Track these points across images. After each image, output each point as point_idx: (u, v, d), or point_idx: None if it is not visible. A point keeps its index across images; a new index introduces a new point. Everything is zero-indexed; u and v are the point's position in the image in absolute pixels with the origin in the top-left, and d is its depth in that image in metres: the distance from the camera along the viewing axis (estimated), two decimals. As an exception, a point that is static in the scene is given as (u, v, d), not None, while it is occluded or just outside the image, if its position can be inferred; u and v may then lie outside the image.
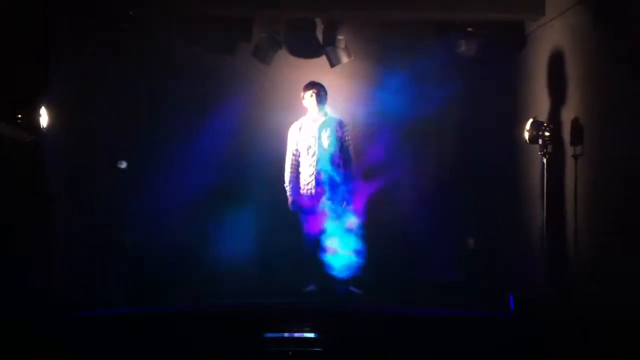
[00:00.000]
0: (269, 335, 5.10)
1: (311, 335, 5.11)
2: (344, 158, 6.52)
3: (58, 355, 5.03)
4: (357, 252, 6.46)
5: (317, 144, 6.47)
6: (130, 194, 6.82)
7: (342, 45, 6.81)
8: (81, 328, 5.27)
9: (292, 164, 6.53)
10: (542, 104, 6.26)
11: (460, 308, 5.73)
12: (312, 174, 6.46)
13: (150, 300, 5.86)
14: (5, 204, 5.59)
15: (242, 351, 5.11)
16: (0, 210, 5.56)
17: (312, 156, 6.47)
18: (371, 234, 6.81)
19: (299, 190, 6.50)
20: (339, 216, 6.49)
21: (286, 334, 5.14)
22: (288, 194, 6.51)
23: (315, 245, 6.52)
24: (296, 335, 5.11)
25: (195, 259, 6.76)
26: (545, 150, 5.76)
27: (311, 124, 6.53)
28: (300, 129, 6.54)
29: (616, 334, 4.85)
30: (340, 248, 6.45)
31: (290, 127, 6.60)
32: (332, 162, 6.47)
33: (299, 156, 6.52)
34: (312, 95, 6.47)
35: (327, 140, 6.46)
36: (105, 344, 5.16)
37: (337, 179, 6.49)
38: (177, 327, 5.35)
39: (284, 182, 6.54)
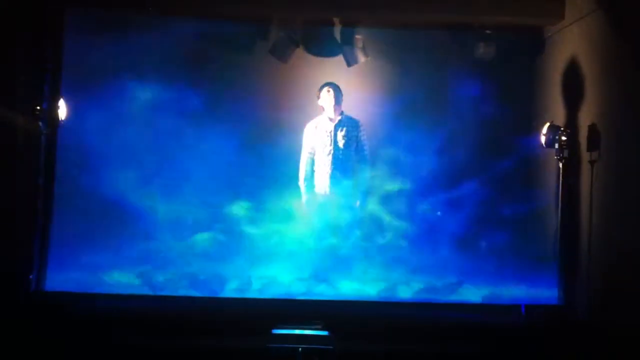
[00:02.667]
0: (278, 331, 5.10)
1: (322, 333, 5.11)
2: (359, 158, 6.54)
3: (58, 355, 5.06)
4: (370, 252, 6.46)
5: (332, 143, 6.49)
6: (140, 191, 6.82)
7: (359, 44, 6.81)
8: (82, 328, 5.29)
9: (307, 163, 6.55)
10: (559, 108, 6.24)
11: (472, 313, 5.73)
12: (327, 172, 6.48)
13: (156, 297, 5.88)
14: (11, 198, 5.63)
15: (251, 347, 5.11)
16: (5, 204, 5.61)
17: (328, 155, 6.49)
18: (384, 235, 6.81)
19: (314, 189, 6.52)
20: (352, 214, 6.51)
21: (296, 331, 5.13)
22: (302, 192, 6.54)
23: (328, 243, 6.53)
24: (307, 332, 5.11)
25: (205, 257, 6.75)
26: (561, 154, 5.74)
27: (327, 123, 6.54)
28: (316, 127, 6.57)
29: (627, 345, 4.83)
30: (353, 246, 6.47)
31: (306, 125, 6.62)
32: (347, 161, 6.49)
33: (315, 155, 6.54)
34: (328, 94, 6.49)
35: (342, 140, 6.48)
36: (107, 342, 5.18)
37: (352, 178, 6.51)
38: (184, 321, 5.36)
39: (298, 180, 6.56)
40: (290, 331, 5.07)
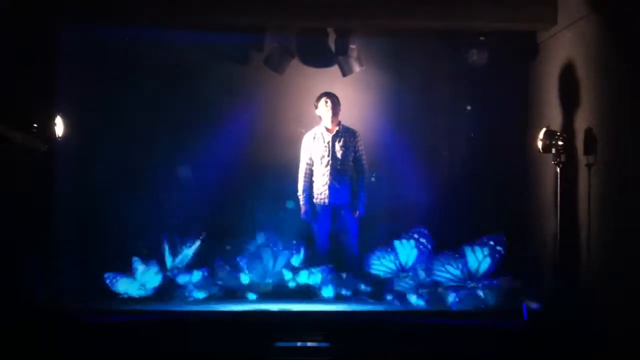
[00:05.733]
0: (280, 344, 5.10)
1: (323, 344, 5.11)
2: (357, 168, 6.56)
3: None
4: (368, 259, 6.46)
5: (330, 154, 6.50)
6: (138, 203, 6.83)
7: (354, 54, 6.84)
8: (82, 336, 5.29)
9: (305, 173, 6.57)
10: (555, 113, 6.25)
11: (472, 317, 5.72)
12: (326, 183, 6.50)
13: (158, 310, 5.88)
14: (11, 209, 5.64)
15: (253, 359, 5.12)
16: (8, 217, 5.61)
17: (326, 166, 6.51)
18: (385, 242, 6.81)
19: (312, 200, 6.54)
20: (351, 224, 6.52)
21: (298, 343, 5.14)
22: (301, 203, 6.55)
23: (327, 252, 6.54)
24: (308, 344, 5.11)
25: (205, 265, 6.74)
26: (558, 159, 5.75)
27: (325, 134, 6.56)
28: (314, 138, 6.58)
29: (625, 348, 4.83)
30: (352, 255, 6.46)
31: (304, 136, 6.64)
32: (345, 171, 6.51)
33: (313, 165, 6.56)
34: (325, 105, 6.51)
35: (340, 150, 6.50)
36: (109, 350, 5.18)
37: (350, 188, 6.53)
38: (185, 334, 5.35)
39: (297, 191, 6.58)
40: (293, 344, 5.08)
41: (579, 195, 5.76)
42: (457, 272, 6.21)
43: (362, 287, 6.34)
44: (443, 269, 6.22)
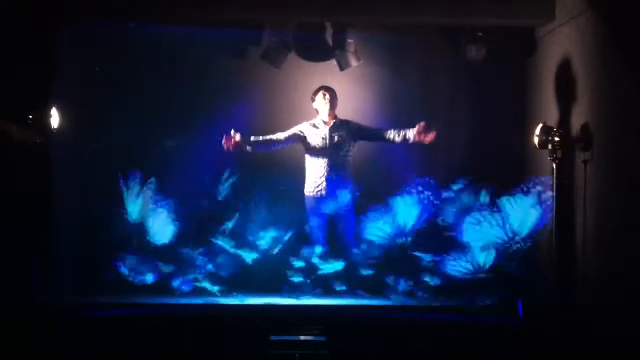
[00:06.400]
0: (275, 337, 5.11)
1: (319, 338, 5.12)
2: (375, 132, 6.53)
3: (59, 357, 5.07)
4: (364, 254, 6.46)
5: (327, 147, 6.51)
6: (136, 200, 6.80)
7: (351, 49, 6.84)
8: (82, 330, 5.30)
9: (278, 137, 6.51)
10: (552, 109, 6.25)
11: (469, 314, 5.73)
12: (323, 175, 6.51)
13: (154, 305, 5.88)
14: (9, 205, 5.65)
15: (248, 353, 5.12)
16: (3, 211, 5.62)
17: (323, 158, 6.50)
18: (382, 236, 6.80)
19: (256, 145, 6.49)
20: (348, 217, 6.52)
21: (293, 337, 5.14)
22: (247, 141, 6.43)
23: (324, 245, 6.54)
24: (303, 338, 5.12)
25: (202, 261, 6.74)
26: (555, 155, 5.75)
27: (322, 127, 6.56)
28: (310, 131, 6.58)
29: (621, 346, 4.83)
30: (348, 249, 6.47)
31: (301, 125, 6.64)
32: (342, 164, 6.50)
33: (287, 142, 6.53)
34: (323, 98, 6.51)
35: (337, 143, 6.51)
36: (106, 345, 5.19)
37: (346, 180, 6.51)
38: (181, 328, 5.36)
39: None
40: (288, 338, 5.08)
41: (575, 192, 5.76)
42: (499, 231, 5.18)
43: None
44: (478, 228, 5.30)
